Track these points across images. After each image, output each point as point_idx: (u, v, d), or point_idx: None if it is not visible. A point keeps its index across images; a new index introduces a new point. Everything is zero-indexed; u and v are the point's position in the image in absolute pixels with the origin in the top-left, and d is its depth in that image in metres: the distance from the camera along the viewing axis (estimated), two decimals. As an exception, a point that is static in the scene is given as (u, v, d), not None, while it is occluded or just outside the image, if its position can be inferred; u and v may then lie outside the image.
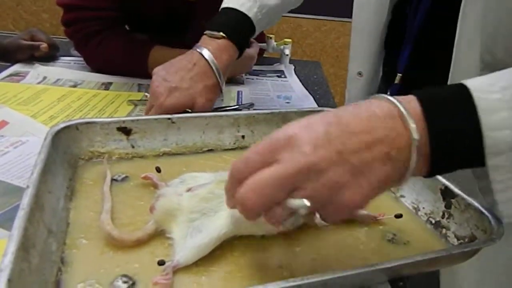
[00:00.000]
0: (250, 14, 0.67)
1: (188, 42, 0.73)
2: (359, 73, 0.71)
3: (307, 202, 0.32)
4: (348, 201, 0.32)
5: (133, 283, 0.37)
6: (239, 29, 0.66)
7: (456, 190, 0.46)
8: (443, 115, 0.33)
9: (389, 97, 0.34)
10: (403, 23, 0.65)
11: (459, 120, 0.33)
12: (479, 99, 0.33)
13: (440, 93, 0.35)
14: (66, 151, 0.51)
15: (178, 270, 0.38)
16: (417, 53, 0.63)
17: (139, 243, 0.41)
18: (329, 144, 0.32)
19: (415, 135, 0.32)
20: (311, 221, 0.34)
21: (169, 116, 0.57)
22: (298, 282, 0.32)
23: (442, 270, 0.46)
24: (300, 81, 1.02)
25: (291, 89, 0.97)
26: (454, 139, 0.33)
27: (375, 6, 0.67)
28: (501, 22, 0.46)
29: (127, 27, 1.01)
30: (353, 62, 0.73)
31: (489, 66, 0.49)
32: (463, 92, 0.33)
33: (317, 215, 0.34)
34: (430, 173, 0.35)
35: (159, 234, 0.42)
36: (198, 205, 0.42)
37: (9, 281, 0.29)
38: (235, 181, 0.34)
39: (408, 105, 0.33)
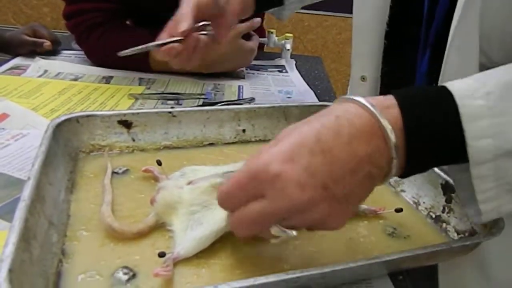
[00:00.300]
0: None
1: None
2: (363, 78, 0.67)
3: (294, 233, 0.34)
4: (333, 226, 0.34)
5: (134, 275, 0.37)
6: None
7: (456, 184, 0.46)
8: (425, 126, 0.33)
9: (367, 104, 0.33)
10: (407, 22, 0.62)
11: (442, 131, 0.33)
12: (463, 107, 0.32)
13: (422, 97, 0.34)
14: (67, 144, 0.51)
15: (178, 262, 0.38)
16: (437, 58, 0.58)
17: (140, 235, 0.41)
18: (314, 178, 0.31)
19: (394, 155, 0.32)
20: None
21: (169, 109, 0.58)
22: (298, 274, 0.33)
23: (440, 265, 0.46)
24: (301, 76, 1.01)
25: (292, 84, 0.96)
26: (435, 150, 0.34)
27: (376, 2, 0.63)
28: (497, 24, 0.44)
29: (128, 22, 1.01)
30: (355, 65, 0.68)
31: (484, 68, 0.47)
32: (447, 98, 0.33)
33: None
34: (402, 176, 0.36)
35: (159, 227, 0.42)
36: (198, 198, 0.42)
37: (10, 271, 0.29)
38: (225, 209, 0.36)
39: (387, 114, 0.32)
